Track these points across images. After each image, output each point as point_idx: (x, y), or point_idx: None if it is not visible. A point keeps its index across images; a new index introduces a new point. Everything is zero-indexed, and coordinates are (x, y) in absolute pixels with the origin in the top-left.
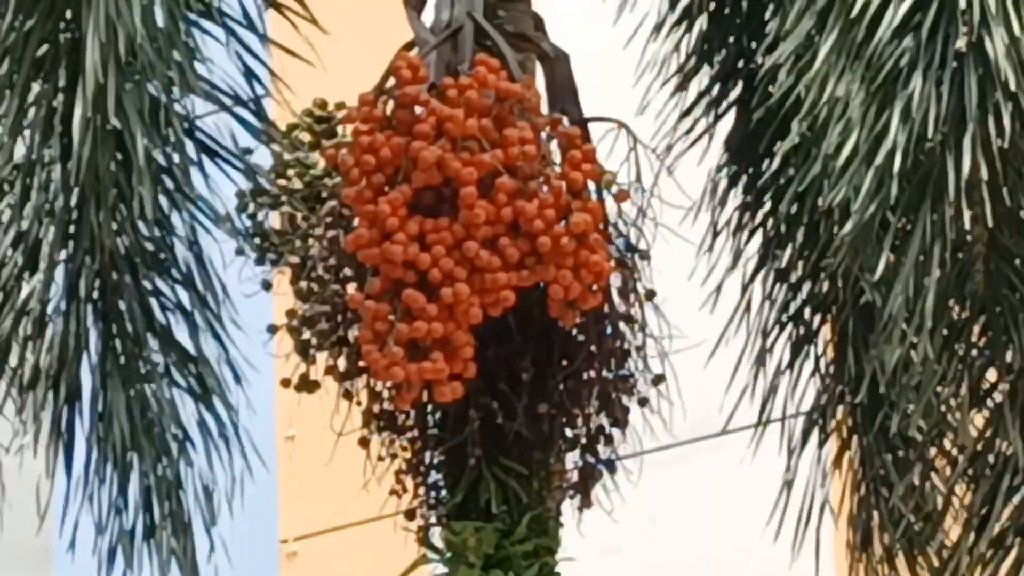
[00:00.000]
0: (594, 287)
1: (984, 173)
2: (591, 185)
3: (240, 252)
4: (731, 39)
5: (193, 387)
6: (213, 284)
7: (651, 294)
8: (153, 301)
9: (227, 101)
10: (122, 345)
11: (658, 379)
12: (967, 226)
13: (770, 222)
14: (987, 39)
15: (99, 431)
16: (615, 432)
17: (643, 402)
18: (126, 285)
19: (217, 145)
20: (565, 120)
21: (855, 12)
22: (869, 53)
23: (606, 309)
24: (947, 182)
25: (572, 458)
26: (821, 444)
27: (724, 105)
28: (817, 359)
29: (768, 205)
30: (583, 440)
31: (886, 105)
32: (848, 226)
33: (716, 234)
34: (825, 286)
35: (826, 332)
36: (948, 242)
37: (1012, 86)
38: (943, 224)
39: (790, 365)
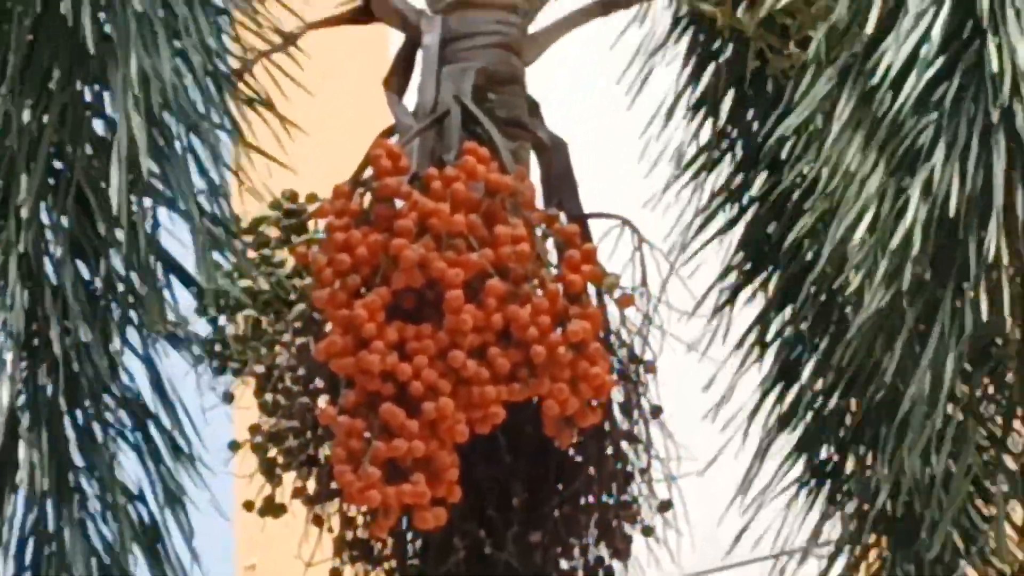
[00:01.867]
0: (594, 402)
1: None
2: (591, 289)
3: (199, 361)
4: (754, 126)
5: (141, 515)
6: (170, 400)
7: (657, 411)
8: (96, 426)
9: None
10: (58, 474)
11: (664, 505)
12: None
13: (788, 331)
14: (1020, 109)
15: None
16: (616, 564)
17: (647, 531)
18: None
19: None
20: (562, 216)
21: (874, 80)
22: (887, 126)
23: (607, 427)
24: (969, 267)
25: None
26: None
27: (746, 198)
28: (842, 482)
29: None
30: (580, 573)
31: (905, 182)
32: (861, 315)
33: (729, 340)
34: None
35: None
36: (967, 335)
37: None
38: (963, 315)
39: (811, 491)
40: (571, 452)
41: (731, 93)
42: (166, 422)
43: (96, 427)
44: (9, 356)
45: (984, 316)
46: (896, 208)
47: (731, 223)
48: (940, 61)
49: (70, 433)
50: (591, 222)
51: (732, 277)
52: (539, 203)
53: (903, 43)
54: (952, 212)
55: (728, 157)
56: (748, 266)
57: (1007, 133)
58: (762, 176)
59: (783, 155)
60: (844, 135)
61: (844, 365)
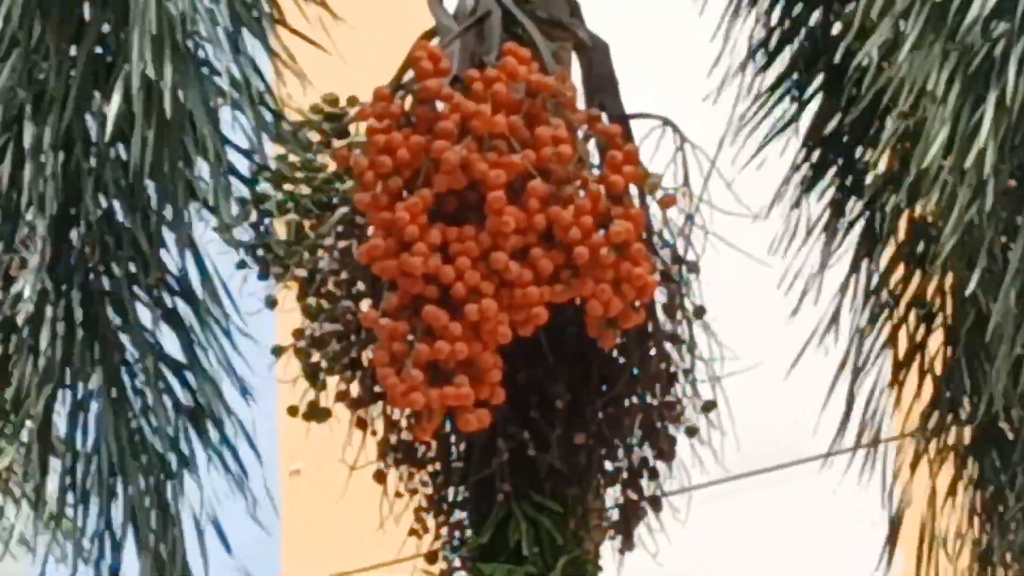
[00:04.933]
0: (637, 303)
1: None
2: (633, 189)
3: (242, 265)
4: (812, 18)
5: (186, 410)
6: (216, 292)
7: (700, 311)
8: (145, 312)
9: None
10: (106, 360)
11: (708, 406)
12: None
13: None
14: None
15: (82, 454)
16: (660, 465)
17: (691, 432)
18: (113, 294)
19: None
20: (604, 116)
21: None
22: (960, 38)
23: (650, 328)
24: None
25: (612, 494)
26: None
27: (810, 91)
28: (923, 373)
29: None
30: (624, 474)
31: (979, 99)
32: (945, 245)
33: (794, 236)
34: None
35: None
36: None
37: None
38: None
39: (893, 382)
40: (614, 353)
41: None
42: (215, 317)
43: (142, 308)
44: (41, 228)
45: None
46: (972, 126)
47: (791, 119)
48: None
49: (113, 316)
50: (632, 123)
51: (797, 175)
52: (580, 104)
53: None
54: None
55: (784, 54)
56: (814, 161)
57: None
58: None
59: (852, 66)
60: (919, 50)
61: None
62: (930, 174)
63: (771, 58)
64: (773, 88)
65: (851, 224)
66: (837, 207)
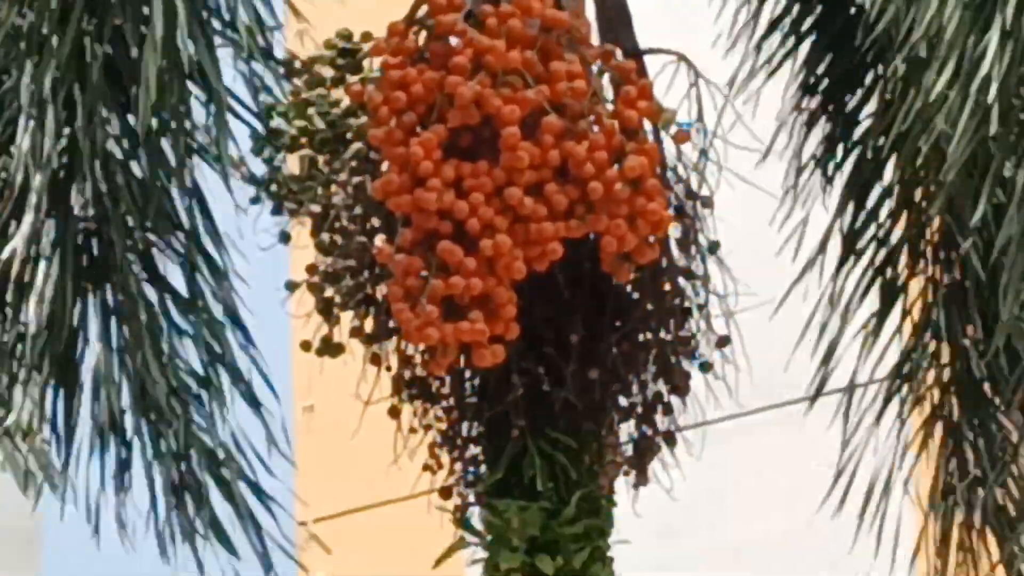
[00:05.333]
0: (651, 238)
1: None
2: (647, 125)
3: (255, 200)
4: None
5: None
6: (218, 233)
7: (715, 246)
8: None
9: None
10: (116, 302)
11: (723, 341)
12: None
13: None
14: None
15: (102, 394)
16: (674, 400)
17: (706, 367)
18: (121, 236)
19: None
20: (618, 52)
21: None
22: None
23: (664, 263)
24: None
25: (627, 430)
26: (903, 413)
27: (805, 26)
28: (905, 315)
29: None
30: (639, 409)
31: (986, 24)
32: (950, 170)
33: (800, 172)
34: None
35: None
36: None
37: None
38: None
39: (876, 325)
40: (628, 288)
41: None
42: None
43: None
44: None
45: None
46: (976, 54)
47: (786, 55)
48: None
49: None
50: (646, 58)
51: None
52: (594, 39)
53: None
54: None
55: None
56: (814, 99)
57: None
58: (818, 9)
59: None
60: None
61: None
62: (937, 103)
63: None
64: (773, 25)
65: (839, 166)
66: (830, 146)
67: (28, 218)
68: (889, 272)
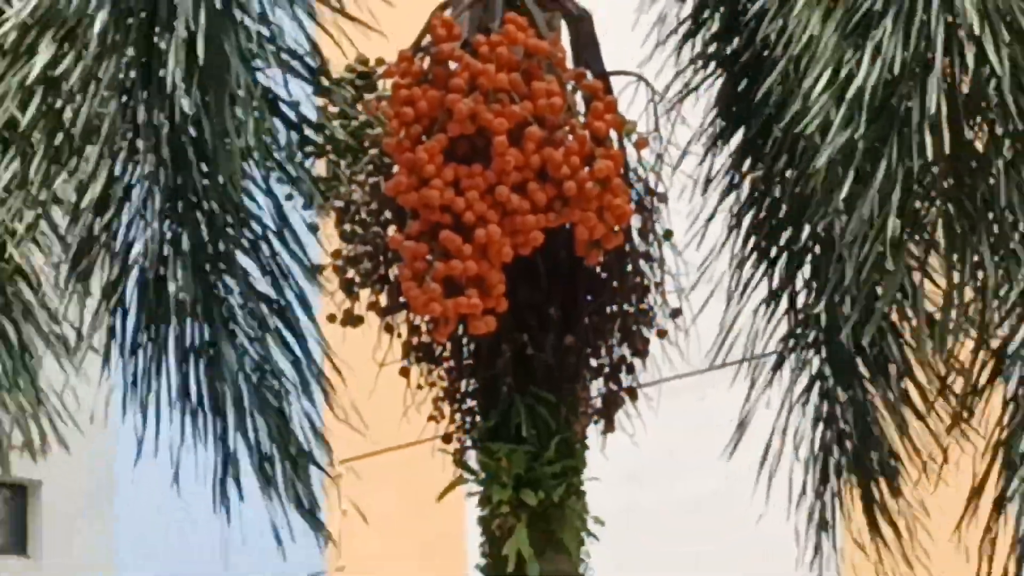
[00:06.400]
0: (616, 228)
1: (945, 109)
2: (613, 134)
3: (289, 197)
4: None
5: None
6: (300, 244)
7: (668, 234)
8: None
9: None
10: (204, 284)
11: (675, 313)
12: (929, 156)
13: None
14: None
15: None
16: (636, 362)
17: (662, 334)
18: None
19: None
20: (588, 74)
21: None
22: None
23: (627, 248)
24: (911, 118)
25: (596, 386)
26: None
27: (714, 65)
28: (792, 298)
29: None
30: (606, 370)
31: (859, 47)
32: (822, 156)
33: (709, 181)
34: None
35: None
36: (912, 172)
37: (976, 30)
38: (904, 155)
39: (768, 304)
40: (598, 269)
41: None
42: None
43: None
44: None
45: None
46: (850, 68)
47: (704, 79)
48: None
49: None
50: (612, 79)
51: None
52: (569, 63)
53: None
54: (896, 71)
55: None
56: (723, 121)
57: (945, 9)
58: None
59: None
60: (807, 7)
61: (805, 193)
62: (815, 105)
63: (689, 35)
64: (692, 62)
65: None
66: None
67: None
68: (779, 262)
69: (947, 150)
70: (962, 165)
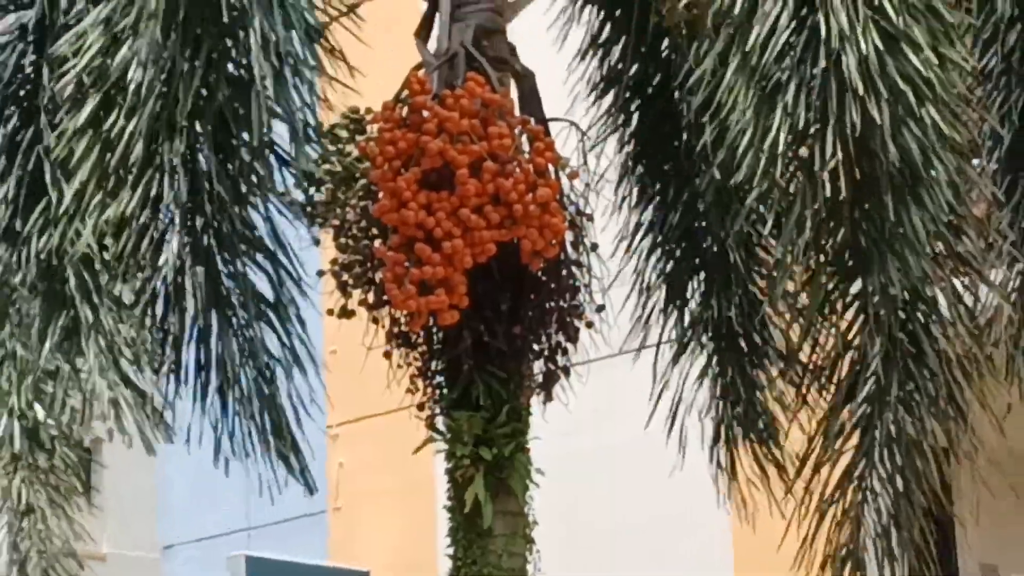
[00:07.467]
0: (553, 241)
1: (840, 154)
2: (551, 167)
3: (297, 217)
4: (636, 64)
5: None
6: (292, 258)
7: (594, 246)
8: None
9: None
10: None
11: (599, 308)
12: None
13: (657, 200)
14: (843, 57)
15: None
16: (569, 346)
17: (590, 324)
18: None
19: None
20: (532, 120)
21: (749, 45)
22: (759, 71)
23: (562, 257)
24: (813, 160)
25: (538, 366)
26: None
27: (624, 116)
28: (686, 300)
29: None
30: (546, 352)
31: (772, 107)
32: (749, 198)
33: (620, 206)
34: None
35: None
36: (821, 203)
37: (860, 92)
38: (814, 191)
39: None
40: (539, 274)
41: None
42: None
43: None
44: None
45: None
46: (764, 125)
47: (614, 129)
48: (792, 26)
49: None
50: (550, 125)
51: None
52: (517, 111)
53: (765, 20)
54: (801, 126)
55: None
56: (634, 159)
57: (836, 76)
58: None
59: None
60: (731, 78)
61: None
62: (738, 153)
63: (603, 93)
64: (606, 114)
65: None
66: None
67: (175, 239)
68: (683, 263)
69: (843, 190)
70: (859, 195)
